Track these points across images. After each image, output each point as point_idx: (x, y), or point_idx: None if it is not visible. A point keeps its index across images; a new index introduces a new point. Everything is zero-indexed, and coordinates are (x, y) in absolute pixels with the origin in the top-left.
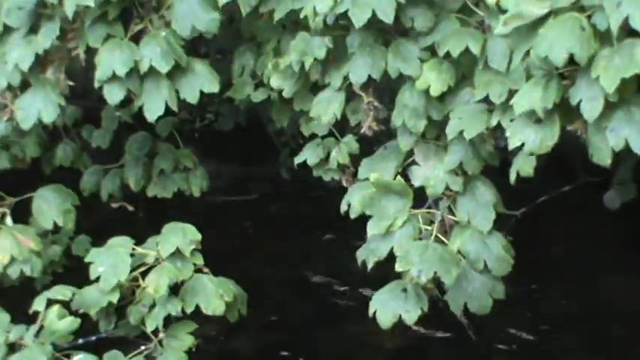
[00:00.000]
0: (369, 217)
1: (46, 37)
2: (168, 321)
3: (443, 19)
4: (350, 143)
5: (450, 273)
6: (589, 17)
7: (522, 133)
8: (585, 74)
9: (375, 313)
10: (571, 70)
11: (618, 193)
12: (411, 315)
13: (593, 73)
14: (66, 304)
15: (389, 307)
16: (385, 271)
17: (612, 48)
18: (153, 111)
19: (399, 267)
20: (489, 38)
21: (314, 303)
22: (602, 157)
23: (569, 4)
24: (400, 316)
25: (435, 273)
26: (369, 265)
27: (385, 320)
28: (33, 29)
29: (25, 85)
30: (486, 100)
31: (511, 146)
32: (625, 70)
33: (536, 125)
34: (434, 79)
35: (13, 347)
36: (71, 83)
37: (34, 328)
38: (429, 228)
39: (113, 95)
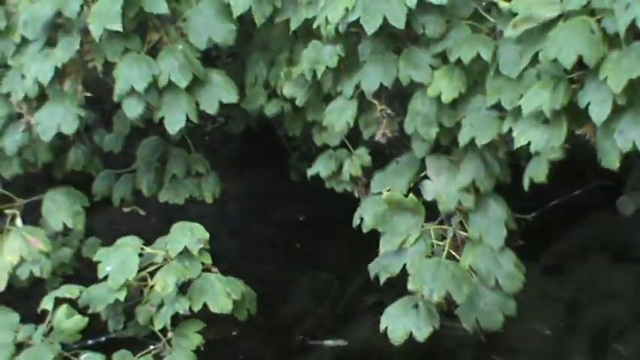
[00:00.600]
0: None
1: (65, 50)
2: (177, 320)
3: (454, 26)
4: (362, 155)
5: (461, 291)
6: (599, 21)
7: (529, 133)
8: (594, 77)
9: (386, 329)
10: (580, 75)
11: (632, 198)
12: (422, 332)
13: (601, 75)
14: (74, 304)
15: (400, 324)
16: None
17: (621, 51)
18: (174, 123)
19: (411, 286)
20: (500, 45)
21: (321, 304)
22: (611, 161)
23: (580, 7)
24: (411, 332)
25: (447, 291)
26: (382, 281)
27: (396, 337)
28: (50, 41)
29: (41, 97)
30: (498, 106)
31: (517, 145)
32: (632, 71)
33: (544, 126)
34: (445, 86)
35: (21, 347)
36: (88, 94)
37: (42, 327)
38: (441, 243)
39: (132, 109)
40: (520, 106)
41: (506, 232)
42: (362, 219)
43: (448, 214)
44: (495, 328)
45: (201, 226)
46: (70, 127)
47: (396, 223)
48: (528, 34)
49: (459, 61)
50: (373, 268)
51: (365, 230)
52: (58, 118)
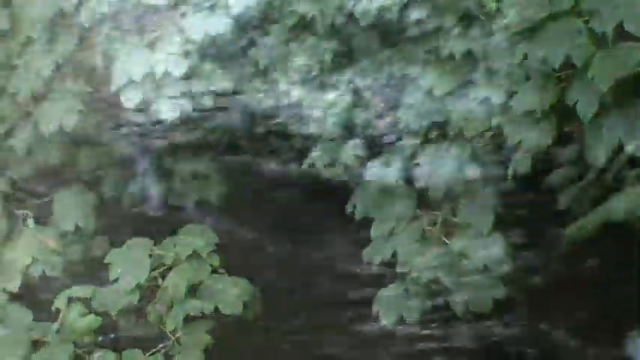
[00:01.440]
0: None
1: (65, 45)
2: (185, 320)
3: (447, 22)
4: (357, 145)
5: (450, 275)
6: (586, 22)
7: (520, 132)
8: (582, 76)
9: (378, 312)
10: (568, 74)
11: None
12: (413, 314)
13: (589, 74)
14: (86, 303)
15: (391, 307)
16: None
17: (608, 51)
18: (168, 112)
19: (400, 269)
20: (491, 41)
21: (326, 302)
22: (596, 157)
23: (569, 8)
24: (402, 315)
25: (436, 275)
26: (375, 264)
27: (388, 319)
28: (52, 38)
29: (45, 92)
30: (487, 101)
31: (510, 143)
32: (619, 70)
33: (535, 125)
34: (437, 80)
35: (35, 344)
36: (89, 89)
37: (55, 325)
38: (432, 229)
39: (130, 99)
40: (509, 102)
41: (494, 217)
42: (354, 207)
43: (438, 201)
44: (484, 311)
45: (209, 228)
46: (70, 122)
47: (387, 210)
48: (518, 34)
49: (450, 56)
50: (366, 254)
51: (358, 217)
52: (60, 113)
